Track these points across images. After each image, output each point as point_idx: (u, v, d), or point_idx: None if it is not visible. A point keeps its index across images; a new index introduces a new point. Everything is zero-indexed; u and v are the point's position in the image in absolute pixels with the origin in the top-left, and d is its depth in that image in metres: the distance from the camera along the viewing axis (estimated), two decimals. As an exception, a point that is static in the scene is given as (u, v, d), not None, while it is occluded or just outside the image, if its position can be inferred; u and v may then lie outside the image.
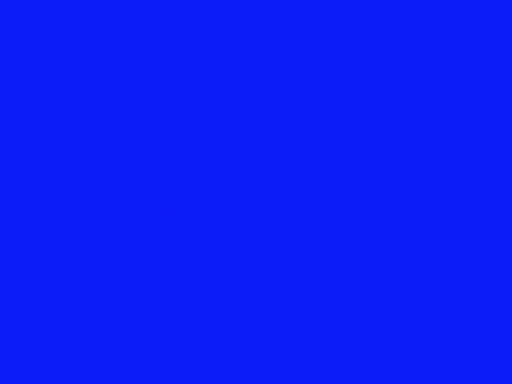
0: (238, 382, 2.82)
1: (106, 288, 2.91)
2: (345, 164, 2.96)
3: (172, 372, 2.83)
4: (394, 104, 2.98)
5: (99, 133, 2.98)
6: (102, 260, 2.94)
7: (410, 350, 2.81)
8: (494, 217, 2.90)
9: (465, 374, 2.78)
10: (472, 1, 2.96)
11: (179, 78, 3.03)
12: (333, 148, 2.95)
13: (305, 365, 2.82)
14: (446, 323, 2.84)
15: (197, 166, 2.99)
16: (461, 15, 2.98)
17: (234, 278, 2.93)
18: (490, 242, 2.89)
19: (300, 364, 2.82)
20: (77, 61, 3.00)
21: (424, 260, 2.92)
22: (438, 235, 2.93)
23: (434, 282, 2.89)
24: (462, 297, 2.86)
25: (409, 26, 2.99)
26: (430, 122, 2.96)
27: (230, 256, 2.95)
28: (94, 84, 3.01)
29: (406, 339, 2.83)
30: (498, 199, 2.90)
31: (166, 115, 3.00)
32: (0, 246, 2.91)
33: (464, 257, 2.91)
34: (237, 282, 2.93)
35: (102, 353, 2.83)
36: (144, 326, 2.86)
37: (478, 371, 2.77)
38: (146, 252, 2.95)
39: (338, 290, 2.90)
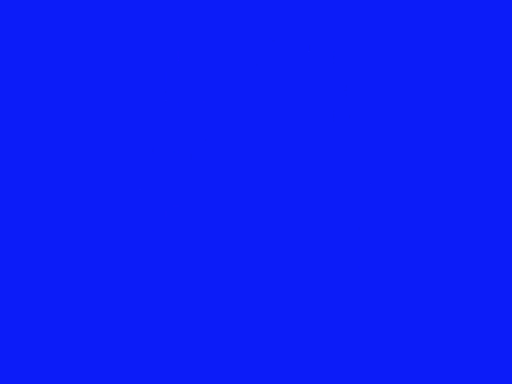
0: (237, 382, 2.82)
1: (106, 288, 2.91)
2: (344, 164, 2.96)
3: (172, 372, 2.83)
4: (394, 104, 2.98)
5: (99, 133, 2.98)
6: (102, 260, 2.95)
7: (409, 350, 2.81)
8: (493, 217, 2.90)
9: (465, 374, 2.77)
10: (472, 1, 2.97)
11: (179, 77, 3.03)
12: (332, 148, 2.95)
13: (305, 365, 2.81)
14: (445, 323, 2.84)
15: (197, 166, 2.99)
16: (461, 15, 2.98)
17: (233, 278, 2.93)
18: (490, 242, 2.89)
19: (300, 364, 2.81)
20: (77, 61, 3.01)
21: (424, 260, 2.91)
22: (438, 235, 2.92)
23: (434, 282, 2.89)
24: (462, 297, 2.86)
25: (409, 26, 3.00)
26: (430, 122, 2.96)
27: (230, 256, 2.95)
28: (93, 84, 3.01)
29: (406, 339, 2.83)
30: (498, 199, 2.90)
31: (165, 115, 3.00)
32: (0, 246, 2.92)
33: (464, 257, 2.91)
34: (237, 282, 2.92)
35: (101, 353, 2.83)
36: (144, 326, 2.86)
37: (478, 371, 2.76)
38: (146, 252, 2.95)
39: (337, 290, 2.89)
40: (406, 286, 2.89)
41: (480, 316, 2.83)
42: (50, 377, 2.81)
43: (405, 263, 2.92)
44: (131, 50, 3.02)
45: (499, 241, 2.88)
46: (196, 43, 3.04)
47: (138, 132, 2.99)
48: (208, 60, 3.03)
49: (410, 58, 3.00)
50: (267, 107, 3.01)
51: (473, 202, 2.92)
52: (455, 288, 2.88)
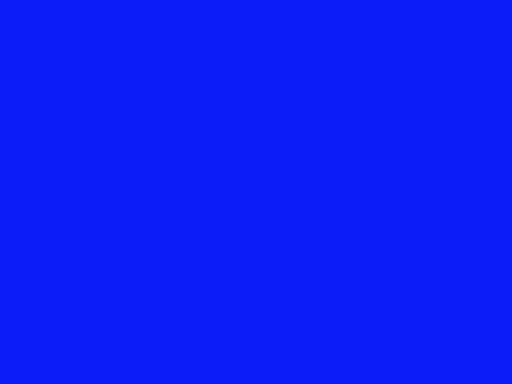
0: (238, 382, 2.82)
1: (105, 288, 2.91)
2: (345, 164, 2.96)
3: (172, 372, 2.83)
4: (394, 105, 2.99)
5: (99, 133, 2.98)
6: (102, 260, 2.95)
7: (409, 350, 2.81)
8: (493, 217, 2.90)
9: (465, 374, 2.77)
10: (472, 1, 2.97)
11: (179, 78, 3.03)
12: (333, 149, 2.95)
13: (304, 365, 2.81)
14: (445, 323, 2.84)
15: (197, 166, 2.99)
16: (461, 15, 2.99)
17: (234, 278, 2.93)
18: (490, 242, 2.89)
19: (300, 364, 2.81)
20: (77, 61, 3.00)
21: (424, 260, 2.91)
22: (438, 235, 2.93)
23: (434, 282, 2.89)
24: (462, 297, 2.86)
25: (409, 27, 3.00)
26: (430, 123, 2.96)
27: (230, 256, 2.95)
28: (94, 84, 3.01)
29: (406, 339, 2.83)
30: (498, 199, 2.90)
31: (165, 115, 3.00)
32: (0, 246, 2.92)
33: (464, 257, 2.91)
34: (237, 282, 2.93)
35: (101, 353, 2.83)
36: (144, 327, 2.86)
37: (478, 371, 2.76)
38: (146, 252, 2.95)
39: (338, 290, 2.89)
40: (406, 286, 2.89)
41: (480, 316, 2.83)
42: (50, 377, 2.81)
43: (405, 263, 2.92)
44: (131, 50, 3.02)
45: (499, 241, 2.88)
46: (196, 44, 3.04)
47: (137, 132, 2.99)
48: (208, 60, 3.04)
49: (410, 58, 3.00)
50: (267, 108, 3.01)
51: (473, 202, 2.92)
52: (455, 288, 2.88)
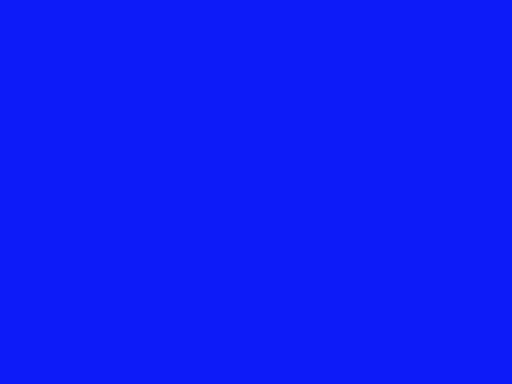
0: (237, 382, 2.81)
1: (106, 288, 2.91)
2: (345, 164, 2.96)
3: (172, 372, 2.82)
4: (394, 106, 2.99)
5: (99, 133, 2.98)
6: (102, 260, 2.95)
7: (410, 350, 2.81)
8: (493, 217, 2.90)
9: (465, 374, 2.77)
10: (472, 1, 2.97)
11: (179, 78, 3.03)
12: (333, 148, 2.95)
13: (305, 365, 2.81)
14: (446, 323, 2.84)
15: (197, 166, 2.99)
16: (461, 15, 2.99)
17: (233, 278, 2.93)
18: (490, 242, 2.89)
19: (300, 364, 2.81)
20: (77, 61, 3.00)
21: (424, 260, 2.91)
22: (438, 235, 2.92)
23: (434, 282, 2.89)
24: (462, 297, 2.86)
25: (409, 28, 3.00)
26: (430, 123, 2.96)
27: (230, 256, 2.95)
28: (94, 84, 3.01)
29: (406, 339, 2.83)
30: (498, 199, 2.90)
31: (166, 115, 3.00)
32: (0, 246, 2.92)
33: (464, 257, 2.91)
34: (237, 282, 2.92)
35: (102, 353, 2.83)
36: (144, 326, 2.86)
37: (478, 371, 2.76)
38: (146, 252, 2.95)
39: (337, 290, 2.89)
40: (406, 286, 2.89)
41: (480, 316, 2.83)
42: (50, 377, 2.81)
43: (405, 263, 2.92)
44: (131, 50, 3.02)
45: (499, 241, 2.88)
46: (196, 44, 3.04)
47: (138, 132, 2.99)
48: (208, 61, 3.04)
49: (410, 58, 3.00)
50: (267, 108, 3.01)
51: (473, 202, 2.92)
52: (455, 288, 2.88)
